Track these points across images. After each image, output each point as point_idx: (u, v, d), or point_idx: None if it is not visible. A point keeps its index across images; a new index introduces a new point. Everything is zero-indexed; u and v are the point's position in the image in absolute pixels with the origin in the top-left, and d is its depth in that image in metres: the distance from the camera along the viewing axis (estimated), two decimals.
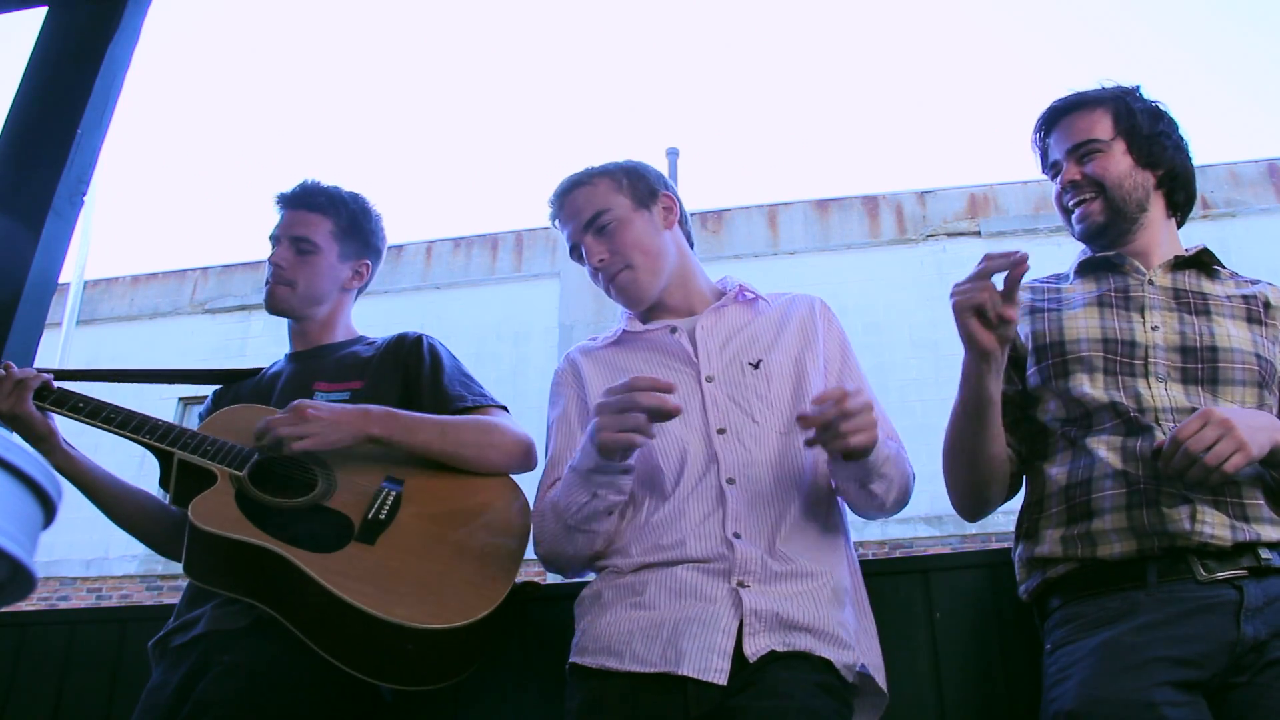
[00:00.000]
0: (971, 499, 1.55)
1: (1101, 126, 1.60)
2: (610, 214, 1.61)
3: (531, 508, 1.60)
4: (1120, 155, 1.59)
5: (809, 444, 1.34)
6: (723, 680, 1.29)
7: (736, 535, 1.40)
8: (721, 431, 1.48)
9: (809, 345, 1.58)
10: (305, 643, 1.46)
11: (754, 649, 1.31)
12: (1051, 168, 1.66)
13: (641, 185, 1.65)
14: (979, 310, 1.36)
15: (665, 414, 1.33)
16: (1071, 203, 1.61)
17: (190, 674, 1.56)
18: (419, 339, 1.86)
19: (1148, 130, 1.60)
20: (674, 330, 1.61)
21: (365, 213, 1.96)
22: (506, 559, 1.58)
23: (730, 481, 1.44)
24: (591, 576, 1.53)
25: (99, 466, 1.76)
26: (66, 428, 1.71)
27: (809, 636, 1.34)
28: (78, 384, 1.75)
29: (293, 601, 1.47)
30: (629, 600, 1.41)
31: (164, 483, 1.69)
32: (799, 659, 1.32)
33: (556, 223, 1.69)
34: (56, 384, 1.68)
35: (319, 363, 1.86)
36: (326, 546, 1.50)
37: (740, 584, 1.37)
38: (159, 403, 9.07)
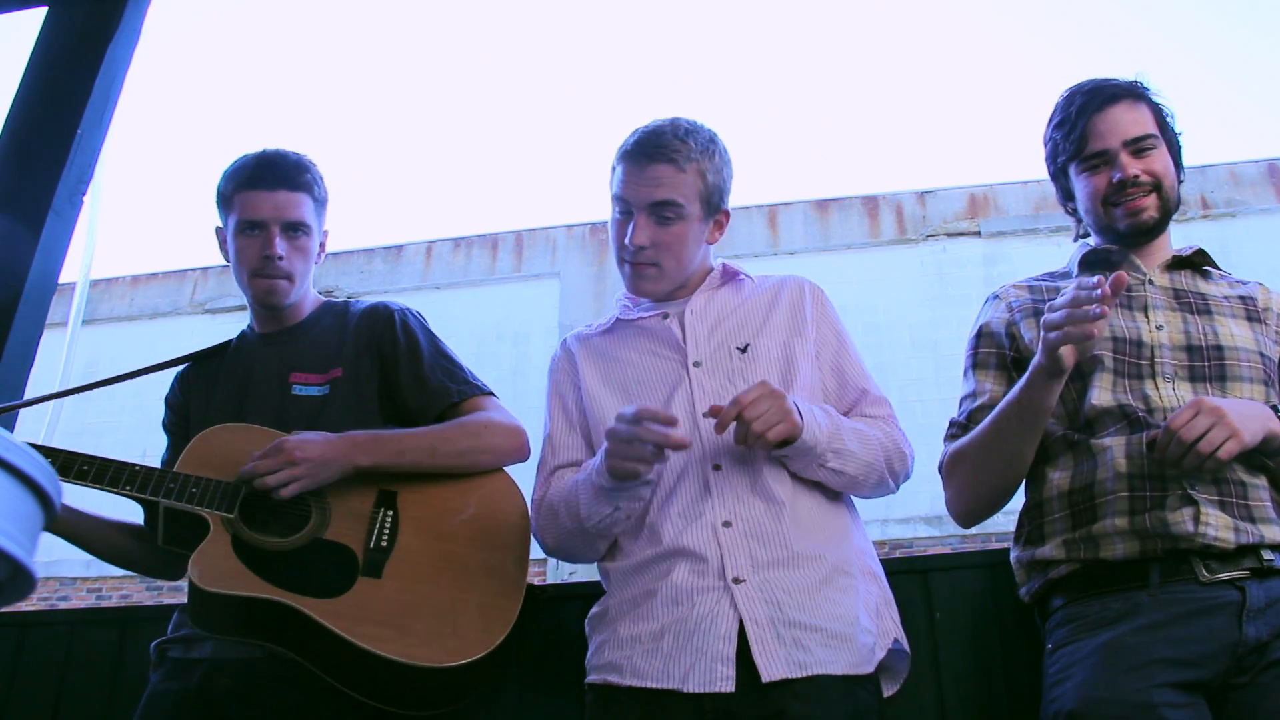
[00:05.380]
0: (988, 504, 1.54)
1: (1149, 121, 1.56)
2: (678, 209, 1.52)
3: (533, 493, 1.58)
4: (1165, 153, 1.57)
5: (738, 443, 1.37)
6: (730, 687, 1.29)
7: (726, 523, 1.40)
8: (708, 416, 1.47)
9: (798, 331, 1.57)
10: (321, 676, 1.45)
11: (767, 669, 1.30)
12: (1096, 157, 1.56)
13: (715, 197, 1.56)
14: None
15: (672, 447, 1.34)
16: (1122, 197, 1.55)
17: (197, 698, 1.53)
18: (390, 318, 1.75)
19: (1173, 129, 1.60)
20: (666, 316, 1.60)
21: (322, 174, 1.77)
22: (514, 569, 1.56)
23: (717, 468, 1.44)
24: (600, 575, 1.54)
25: (80, 513, 1.68)
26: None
27: (818, 643, 1.33)
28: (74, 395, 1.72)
29: (310, 646, 1.45)
30: (630, 615, 1.42)
31: (150, 525, 1.63)
32: (819, 688, 1.30)
33: (620, 166, 1.55)
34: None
35: (293, 348, 1.74)
36: (334, 589, 1.47)
37: (735, 579, 1.36)
38: (159, 404, 9.06)
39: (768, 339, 1.55)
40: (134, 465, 1.55)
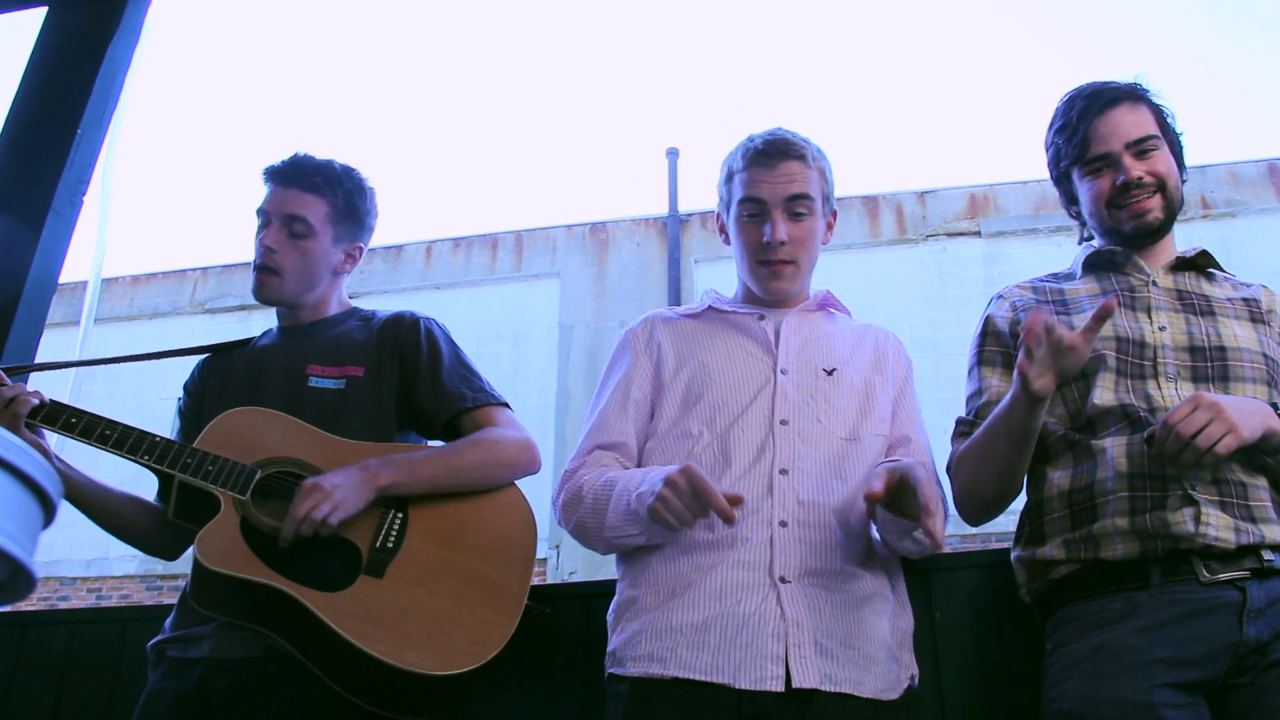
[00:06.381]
0: (987, 508, 1.54)
1: (1150, 122, 1.57)
2: (809, 204, 1.58)
3: (568, 462, 1.57)
4: (1168, 154, 1.57)
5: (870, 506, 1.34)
6: (780, 687, 1.29)
7: (783, 523, 1.41)
8: (784, 423, 1.49)
9: (879, 370, 1.61)
10: (317, 675, 1.45)
11: (801, 677, 1.30)
12: (1099, 160, 1.56)
13: (830, 192, 1.63)
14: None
15: (721, 518, 1.31)
16: (1126, 199, 1.55)
17: (195, 698, 1.52)
18: (416, 324, 1.77)
19: (1174, 130, 1.60)
20: (762, 318, 1.63)
21: (360, 190, 1.81)
22: (515, 586, 1.55)
23: (783, 472, 1.45)
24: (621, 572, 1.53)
25: (92, 481, 1.68)
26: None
27: (851, 661, 1.33)
28: (71, 374, 1.72)
29: (305, 638, 1.45)
30: (668, 605, 1.40)
31: (163, 497, 1.64)
32: (848, 711, 1.30)
33: (747, 170, 1.58)
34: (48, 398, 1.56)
35: (312, 341, 1.76)
36: (335, 583, 1.46)
37: (782, 579, 1.37)
38: (160, 403, 9.07)
39: (853, 369, 1.59)
40: (154, 435, 1.56)
